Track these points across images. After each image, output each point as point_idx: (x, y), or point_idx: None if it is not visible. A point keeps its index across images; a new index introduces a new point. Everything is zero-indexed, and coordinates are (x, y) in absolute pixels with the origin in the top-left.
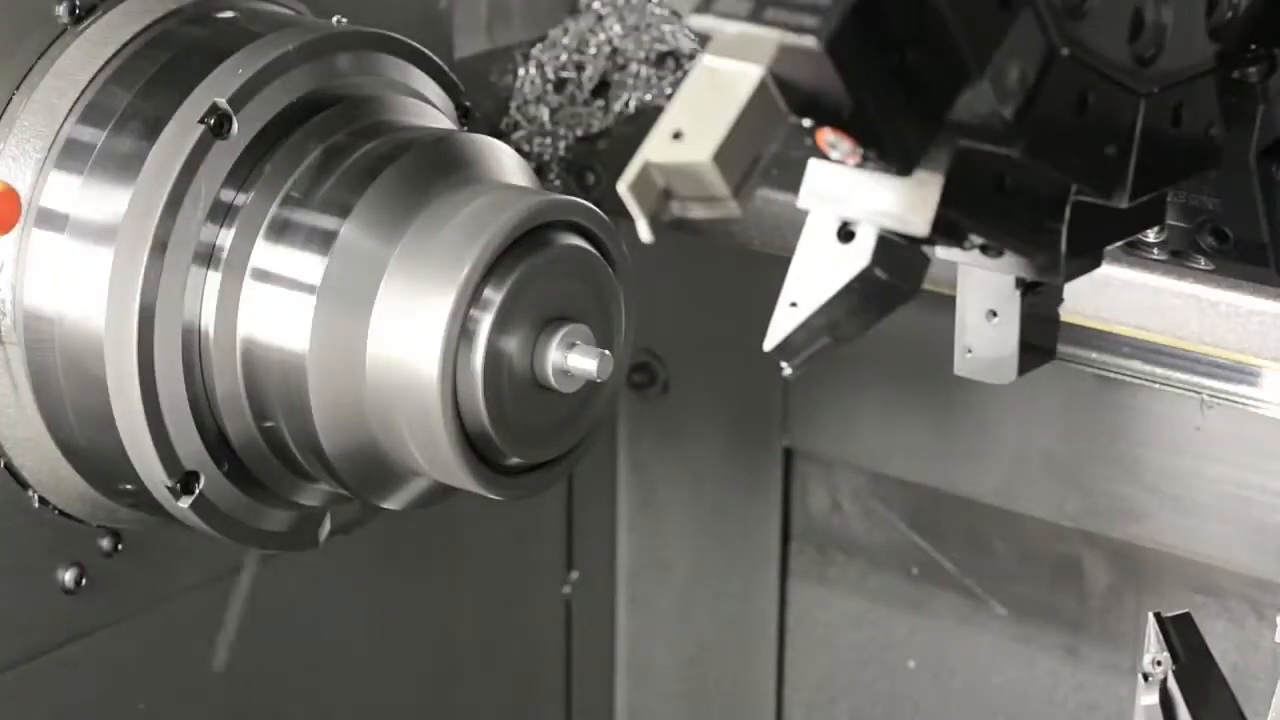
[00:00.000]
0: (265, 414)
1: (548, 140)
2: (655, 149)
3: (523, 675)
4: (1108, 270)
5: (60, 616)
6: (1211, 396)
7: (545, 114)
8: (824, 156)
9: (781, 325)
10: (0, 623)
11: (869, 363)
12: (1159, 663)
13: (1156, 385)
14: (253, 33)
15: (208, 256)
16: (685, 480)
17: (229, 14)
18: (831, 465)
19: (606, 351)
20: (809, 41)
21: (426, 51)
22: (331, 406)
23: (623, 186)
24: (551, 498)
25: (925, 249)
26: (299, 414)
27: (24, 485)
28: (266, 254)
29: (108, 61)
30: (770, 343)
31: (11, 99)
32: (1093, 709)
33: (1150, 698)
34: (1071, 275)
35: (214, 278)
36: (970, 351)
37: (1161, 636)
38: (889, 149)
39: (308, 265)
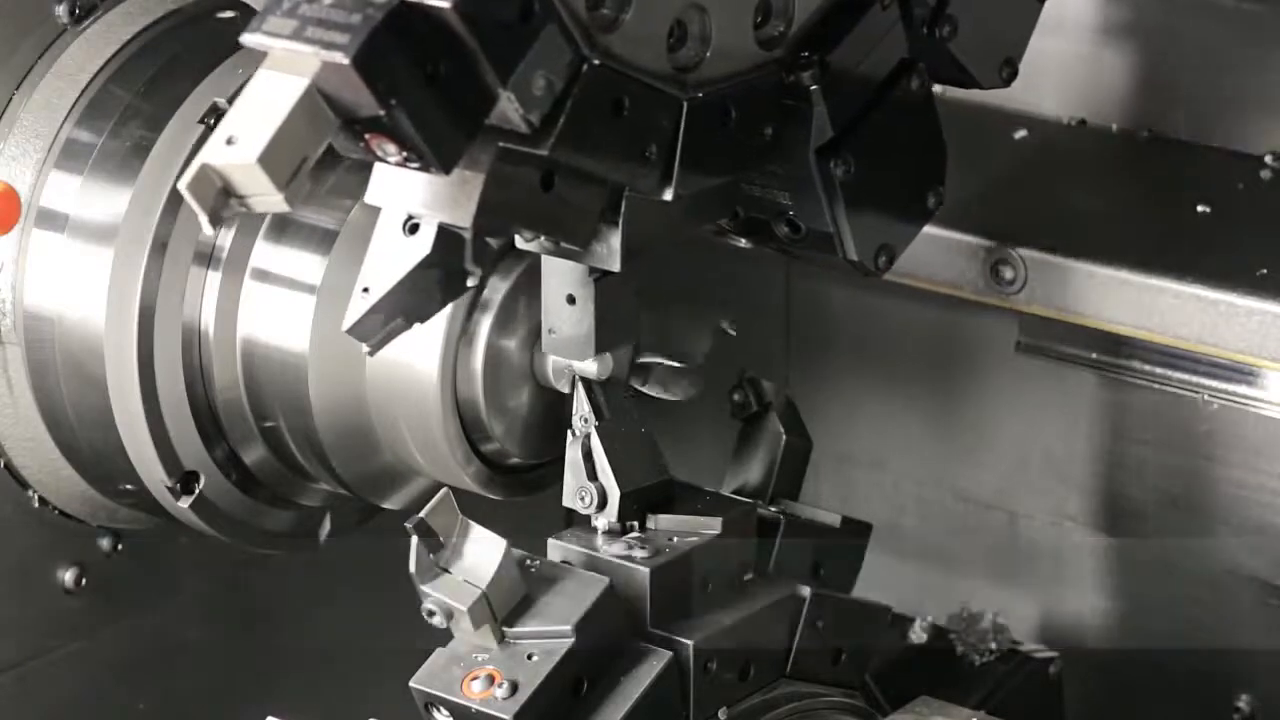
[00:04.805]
0: (265, 414)
1: None
2: (211, 153)
3: None
4: (1108, 270)
5: (60, 616)
6: (1211, 396)
7: None
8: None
9: (355, 309)
10: (0, 623)
11: (869, 363)
12: (585, 420)
13: (1156, 385)
14: None
15: (208, 256)
16: (685, 480)
17: (229, 14)
18: (831, 465)
19: (606, 351)
20: (339, 58)
21: None
22: (331, 407)
23: (182, 186)
24: (551, 498)
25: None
26: (299, 414)
27: (24, 485)
28: (266, 253)
29: (108, 61)
30: (345, 325)
31: (11, 99)
32: None
33: (574, 451)
34: (630, 263)
35: (214, 277)
36: (553, 331)
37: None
38: (423, 152)
39: (308, 265)
